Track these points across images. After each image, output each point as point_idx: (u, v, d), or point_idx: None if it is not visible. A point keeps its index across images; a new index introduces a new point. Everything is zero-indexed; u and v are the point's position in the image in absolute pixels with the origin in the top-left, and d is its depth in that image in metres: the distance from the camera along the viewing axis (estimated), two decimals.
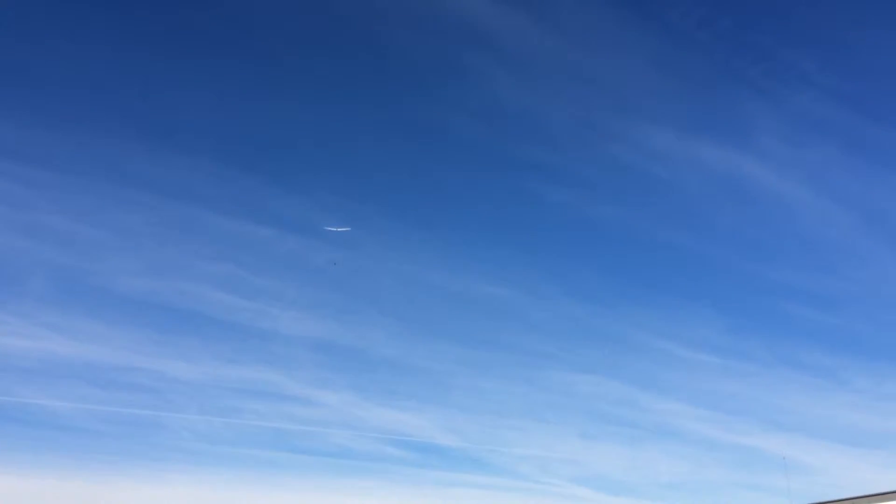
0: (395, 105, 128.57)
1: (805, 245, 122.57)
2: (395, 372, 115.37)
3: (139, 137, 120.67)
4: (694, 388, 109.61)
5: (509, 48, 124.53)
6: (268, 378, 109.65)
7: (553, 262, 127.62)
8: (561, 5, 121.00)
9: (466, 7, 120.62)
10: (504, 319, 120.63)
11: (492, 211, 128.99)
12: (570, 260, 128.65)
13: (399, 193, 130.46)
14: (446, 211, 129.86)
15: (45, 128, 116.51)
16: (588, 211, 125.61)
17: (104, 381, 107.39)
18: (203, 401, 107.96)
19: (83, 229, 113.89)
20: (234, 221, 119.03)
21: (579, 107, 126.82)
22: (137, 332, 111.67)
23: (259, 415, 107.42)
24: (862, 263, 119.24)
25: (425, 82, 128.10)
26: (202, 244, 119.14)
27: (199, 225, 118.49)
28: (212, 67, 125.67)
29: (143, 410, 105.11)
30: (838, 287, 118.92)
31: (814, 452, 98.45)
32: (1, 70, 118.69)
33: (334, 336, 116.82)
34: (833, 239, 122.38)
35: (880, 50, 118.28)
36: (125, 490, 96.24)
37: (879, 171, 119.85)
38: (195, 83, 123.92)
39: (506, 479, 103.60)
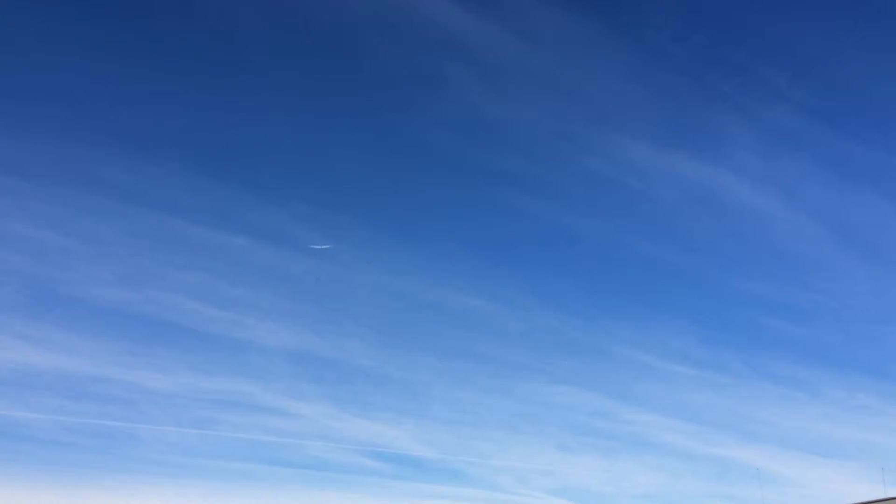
0: (371, 115, 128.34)
1: (779, 257, 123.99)
2: (372, 383, 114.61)
3: (111, 145, 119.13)
4: (669, 400, 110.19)
5: (486, 60, 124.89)
6: (243, 389, 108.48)
7: (529, 273, 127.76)
8: (538, 18, 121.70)
9: (444, 18, 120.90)
10: (481, 330, 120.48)
11: (468, 221, 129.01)
12: (547, 271, 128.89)
13: (375, 204, 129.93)
14: (423, 221, 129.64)
15: (14, 134, 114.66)
16: (565, 222, 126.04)
17: (76, 392, 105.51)
18: (177, 412, 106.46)
19: (54, 238, 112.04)
20: (209, 230, 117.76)
21: (556, 118, 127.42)
22: (110, 342, 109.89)
23: (234, 426, 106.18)
24: (834, 276, 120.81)
25: (402, 93, 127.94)
26: (176, 253, 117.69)
27: (173, 234, 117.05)
28: (186, 75, 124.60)
29: (117, 422, 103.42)
30: (812, 299, 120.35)
31: (787, 463, 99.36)
32: None
33: (310, 347, 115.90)
34: (806, 251, 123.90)
35: (850, 64, 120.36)
36: (98, 503, 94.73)
37: (851, 185, 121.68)
38: (169, 90, 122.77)
39: (483, 490, 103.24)
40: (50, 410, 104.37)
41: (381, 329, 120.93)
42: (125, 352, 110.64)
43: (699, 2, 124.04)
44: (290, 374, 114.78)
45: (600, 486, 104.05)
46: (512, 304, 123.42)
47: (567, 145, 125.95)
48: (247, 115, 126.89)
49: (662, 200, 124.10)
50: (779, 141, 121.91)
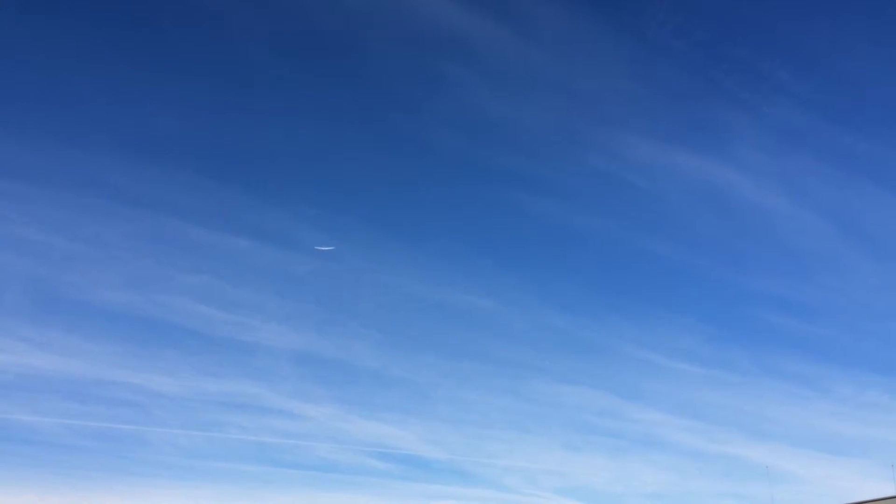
0: (373, 116, 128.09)
1: (785, 254, 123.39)
2: (378, 384, 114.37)
3: (115, 148, 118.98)
4: (676, 398, 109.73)
5: (488, 59, 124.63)
6: (249, 391, 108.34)
7: (535, 272, 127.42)
8: (539, 16, 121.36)
9: (445, 19, 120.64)
10: (486, 330, 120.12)
11: (472, 221, 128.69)
12: (552, 270, 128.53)
13: (379, 204, 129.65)
14: (427, 222, 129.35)
15: (17, 139, 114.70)
16: (569, 221, 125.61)
17: (82, 395, 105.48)
18: (184, 415, 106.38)
19: (59, 242, 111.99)
20: (213, 233, 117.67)
21: (558, 117, 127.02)
22: (116, 345, 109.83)
23: (241, 428, 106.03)
24: (841, 272, 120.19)
25: (404, 93, 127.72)
26: (180, 256, 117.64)
27: (178, 236, 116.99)
28: (189, 78, 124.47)
29: (124, 425, 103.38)
30: (818, 296, 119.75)
31: (796, 461, 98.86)
32: None
33: (316, 348, 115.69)
34: (812, 248, 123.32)
35: (853, 59, 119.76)
36: None
37: (856, 181, 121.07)
38: (172, 94, 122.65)
39: (491, 490, 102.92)
40: (56, 414, 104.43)
41: (387, 330, 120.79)
42: (131, 355, 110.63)
43: None
44: (296, 375, 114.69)
45: (608, 486, 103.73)
46: (517, 304, 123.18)
47: (570, 143, 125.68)
48: (249, 117, 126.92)
49: (667, 198, 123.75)
50: (783, 137, 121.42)
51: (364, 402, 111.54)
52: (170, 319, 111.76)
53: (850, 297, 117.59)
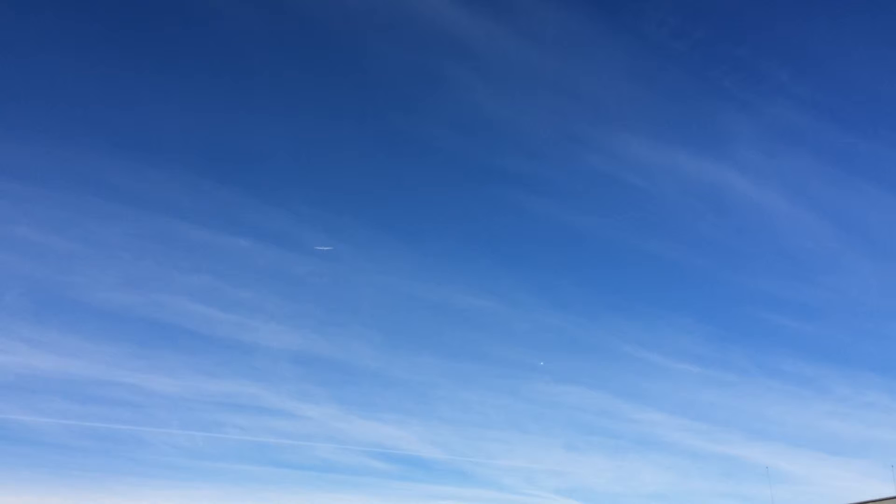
0: (373, 116, 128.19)
1: (784, 254, 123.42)
2: (378, 384, 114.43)
3: (115, 148, 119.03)
4: (676, 398, 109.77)
5: (488, 59, 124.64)
6: (249, 391, 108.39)
7: (534, 272, 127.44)
8: (539, 17, 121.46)
9: (445, 19, 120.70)
10: (486, 331, 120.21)
11: (472, 221, 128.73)
12: (552, 270, 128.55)
13: (379, 205, 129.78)
14: (426, 222, 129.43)
15: (17, 139, 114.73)
16: (568, 221, 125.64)
17: (82, 395, 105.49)
18: (184, 415, 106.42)
19: (58, 242, 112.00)
20: (212, 233, 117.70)
21: (558, 117, 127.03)
22: (115, 345, 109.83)
23: (241, 429, 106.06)
24: (840, 272, 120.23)
25: (404, 93, 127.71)
26: (180, 256, 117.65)
27: (177, 237, 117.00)
28: (189, 78, 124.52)
29: (123, 425, 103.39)
30: (818, 296, 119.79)
31: (796, 461, 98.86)
32: None
33: (316, 348, 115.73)
34: (811, 248, 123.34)
35: (852, 59, 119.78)
36: None
37: (855, 181, 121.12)
38: (171, 94, 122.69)
39: (490, 490, 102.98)
40: (55, 414, 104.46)
41: (386, 330, 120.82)
42: (130, 355, 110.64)
43: None
44: (295, 375, 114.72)
45: (608, 486, 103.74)
46: (517, 304, 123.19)
47: (569, 143, 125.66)
48: (249, 117, 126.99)
49: (666, 198, 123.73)
50: (782, 137, 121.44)
51: (364, 402, 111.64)
52: (170, 319, 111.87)
53: (850, 297, 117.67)
